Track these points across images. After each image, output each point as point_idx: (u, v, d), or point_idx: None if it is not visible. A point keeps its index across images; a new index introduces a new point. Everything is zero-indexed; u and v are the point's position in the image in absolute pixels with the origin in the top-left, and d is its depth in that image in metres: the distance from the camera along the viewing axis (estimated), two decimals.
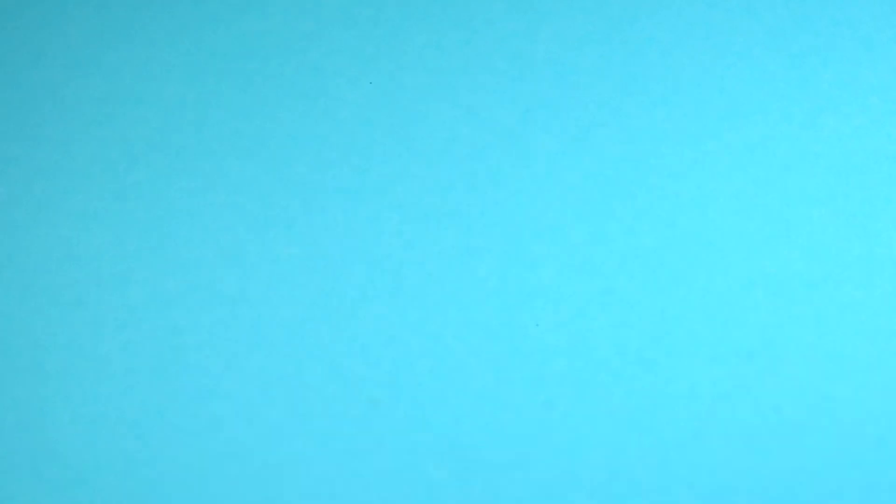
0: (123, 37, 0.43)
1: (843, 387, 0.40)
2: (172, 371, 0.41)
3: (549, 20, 0.42)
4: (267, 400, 0.41)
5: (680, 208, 0.41)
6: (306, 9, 0.43)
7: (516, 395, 0.40)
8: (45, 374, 0.41)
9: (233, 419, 0.41)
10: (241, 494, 0.41)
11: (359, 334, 0.41)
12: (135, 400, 0.41)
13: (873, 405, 0.39)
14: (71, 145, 0.42)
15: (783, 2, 0.42)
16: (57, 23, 0.43)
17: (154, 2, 0.43)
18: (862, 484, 0.39)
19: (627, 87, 0.42)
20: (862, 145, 0.41)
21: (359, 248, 0.41)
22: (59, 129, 0.43)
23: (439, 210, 0.41)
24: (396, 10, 0.43)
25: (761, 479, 0.39)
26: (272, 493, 0.41)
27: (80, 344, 0.41)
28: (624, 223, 0.41)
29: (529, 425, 0.40)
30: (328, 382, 0.40)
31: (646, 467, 0.40)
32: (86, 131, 0.43)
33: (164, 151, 0.42)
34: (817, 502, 0.39)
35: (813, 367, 0.40)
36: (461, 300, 0.41)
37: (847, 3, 0.42)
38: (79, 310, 0.41)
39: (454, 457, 0.40)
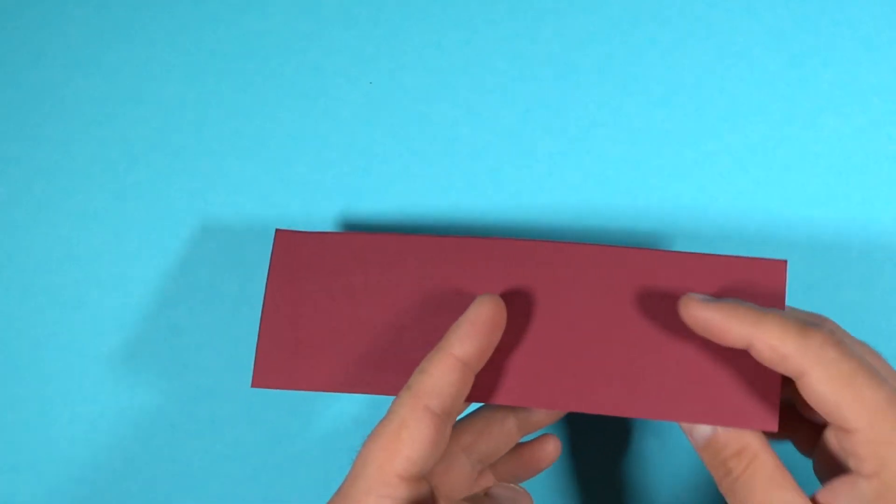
0: (123, 37, 0.43)
1: None
2: (172, 371, 0.41)
3: (549, 20, 0.42)
4: (266, 400, 0.41)
5: (679, 208, 0.41)
6: (306, 9, 0.43)
7: None
8: (45, 374, 0.41)
9: (232, 418, 0.41)
10: (241, 494, 0.41)
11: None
12: (135, 400, 0.41)
13: None
14: (71, 145, 0.43)
15: (783, 2, 0.42)
16: (57, 23, 0.43)
17: (154, 2, 0.43)
18: None
19: (627, 87, 0.42)
20: (862, 145, 0.41)
21: None
22: (59, 129, 0.43)
23: (438, 210, 0.41)
24: (396, 10, 0.43)
25: None
26: (273, 493, 0.41)
27: (80, 344, 0.41)
28: (624, 224, 0.41)
29: None
30: None
31: None
32: (86, 131, 0.43)
33: (164, 151, 0.42)
34: None
35: None
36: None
37: (847, 3, 0.42)
38: (79, 310, 0.42)
39: None
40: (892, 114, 0.41)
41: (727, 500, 0.31)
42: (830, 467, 0.31)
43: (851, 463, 0.28)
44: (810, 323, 0.29)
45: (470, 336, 0.31)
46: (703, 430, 0.31)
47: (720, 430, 0.31)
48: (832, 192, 0.41)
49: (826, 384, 0.28)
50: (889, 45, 0.41)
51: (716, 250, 0.40)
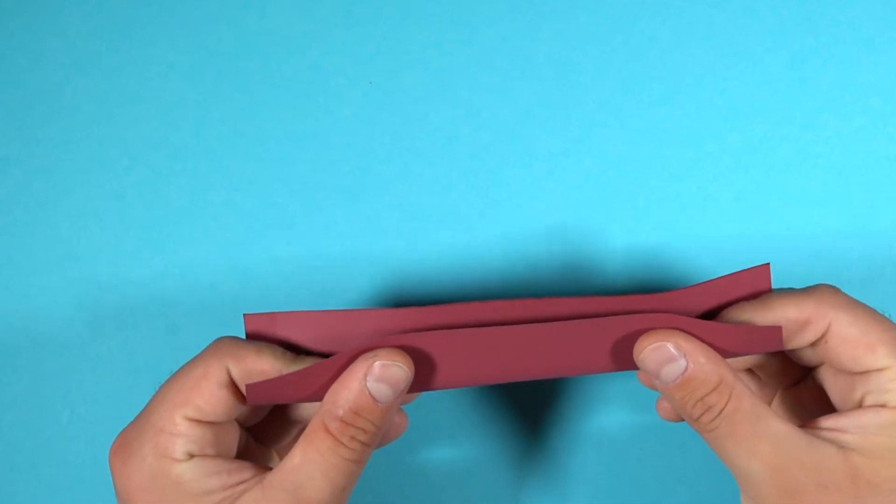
0: (123, 37, 0.43)
1: None
2: (172, 371, 0.41)
3: (549, 20, 0.42)
4: None
5: (679, 208, 0.41)
6: (306, 9, 0.43)
7: None
8: (44, 375, 0.41)
9: None
10: None
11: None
12: (134, 400, 0.41)
13: None
14: (71, 145, 0.43)
15: (783, 2, 0.42)
16: (57, 23, 0.43)
17: (154, 2, 0.43)
18: None
19: (627, 87, 0.42)
20: (862, 145, 0.41)
21: (358, 248, 0.41)
22: (59, 129, 0.43)
23: (438, 210, 0.41)
24: (396, 10, 0.43)
25: None
26: None
27: (80, 344, 0.41)
28: (624, 224, 0.41)
29: None
30: None
31: None
32: (86, 131, 0.43)
33: (164, 151, 0.42)
34: None
35: None
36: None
37: (847, 3, 0.42)
38: (80, 309, 0.42)
39: None
40: (892, 114, 0.41)
41: (707, 439, 0.29)
42: (813, 405, 0.32)
43: (870, 398, 0.29)
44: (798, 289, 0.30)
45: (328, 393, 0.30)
46: (676, 367, 0.29)
47: (693, 365, 0.28)
48: (832, 193, 0.41)
49: (854, 327, 0.29)
50: (889, 45, 0.41)
51: (715, 250, 0.40)
